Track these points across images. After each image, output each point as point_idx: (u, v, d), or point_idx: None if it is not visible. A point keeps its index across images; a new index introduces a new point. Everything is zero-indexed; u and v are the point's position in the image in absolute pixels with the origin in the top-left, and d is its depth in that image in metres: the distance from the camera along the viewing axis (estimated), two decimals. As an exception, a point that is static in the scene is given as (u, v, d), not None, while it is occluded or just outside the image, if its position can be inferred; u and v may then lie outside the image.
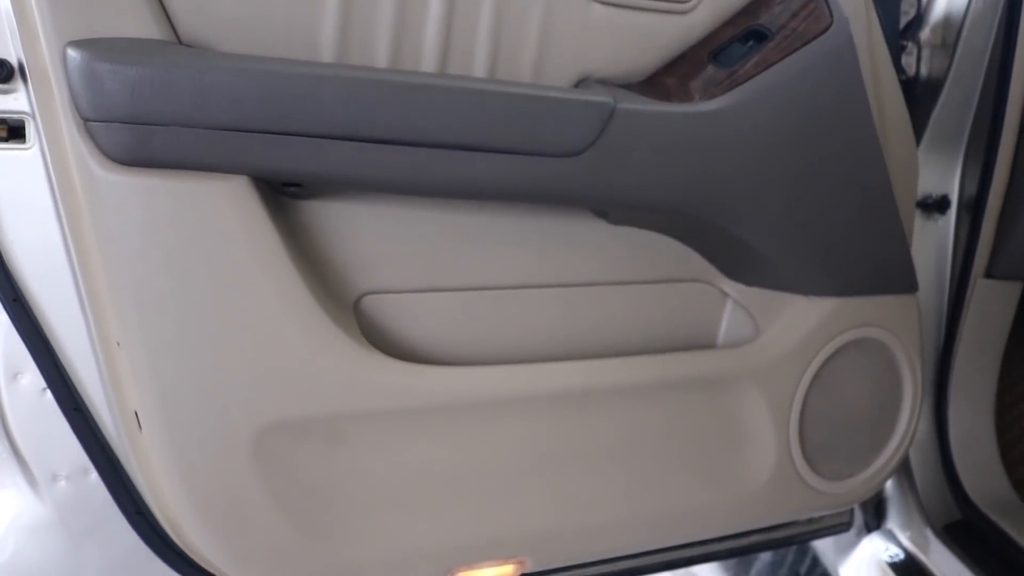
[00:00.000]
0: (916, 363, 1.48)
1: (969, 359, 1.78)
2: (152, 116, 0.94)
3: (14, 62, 0.99)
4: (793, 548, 2.32)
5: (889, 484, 1.88)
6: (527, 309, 1.26)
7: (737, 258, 1.33)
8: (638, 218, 1.28)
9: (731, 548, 1.64)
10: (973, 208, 1.71)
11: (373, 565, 1.20)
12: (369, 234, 1.16)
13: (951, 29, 1.69)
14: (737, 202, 1.22)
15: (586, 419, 1.28)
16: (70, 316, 1.10)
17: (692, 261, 1.36)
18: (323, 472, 1.15)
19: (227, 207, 1.01)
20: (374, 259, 1.17)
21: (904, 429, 1.52)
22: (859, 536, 1.91)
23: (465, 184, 1.08)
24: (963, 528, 1.80)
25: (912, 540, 1.83)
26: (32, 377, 1.13)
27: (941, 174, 1.74)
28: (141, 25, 0.95)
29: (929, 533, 1.79)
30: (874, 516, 1.91)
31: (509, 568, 1.31)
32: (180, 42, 0.99)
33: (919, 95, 1.72)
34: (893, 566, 1.82)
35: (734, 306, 1.39)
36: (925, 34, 1.71)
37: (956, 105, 1.70)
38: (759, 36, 1.20)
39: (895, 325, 1.44)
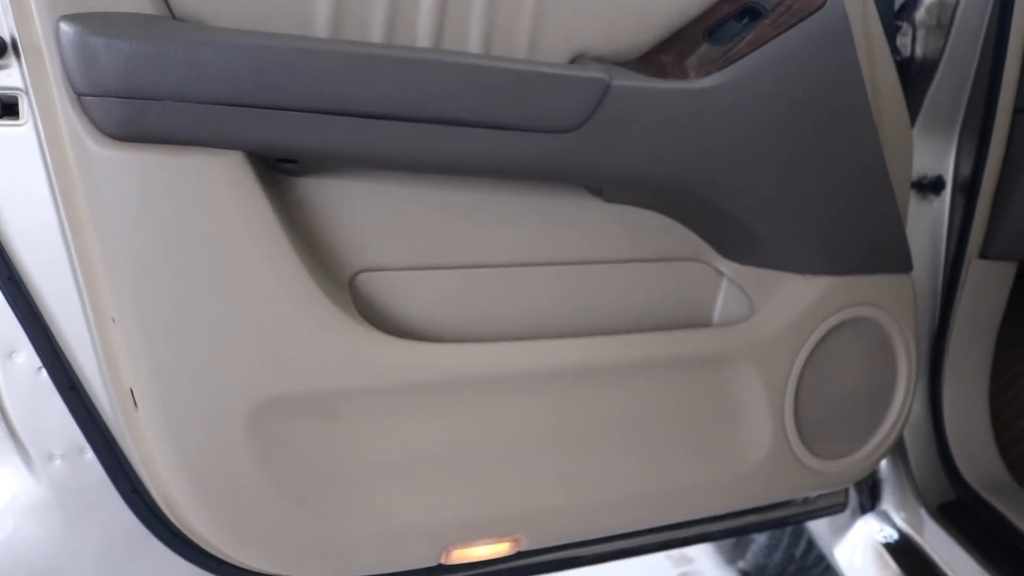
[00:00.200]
0: (911, 343, 1.49)
1: (964, 339, 1.78)
2: (146, 91, 0.93)
3: (7, 37, 0.99)
4: (789, 531, 2.33)
5: (884, 465, 1.88)
6: (522, 287, 1.26)
7: (732, 237, 1.33)
8: (633, 196, 1.28)
9: (727, 528, 1.64)
10: (968, 189, 1.71)
11: (369, 542, 1.20)
12: (365, 212, 1.16)
13: (946, 9, 1.69)
14: (732, 180, 1.22)
15: (581, 397, 1.29)
16: (65, 294, 1.10)
17: (687, 240, 1.36)
18: (319, 449, 1.15)
19: (222, 183, 1.01)
20: (370, 237, 1.17)
21: (899, 408, 1.52)
22: (854, 517, 1.92)
23: (460, 160, 1.08)
24: (957, 508, 1.81)
25: (906, 521, 1.83)
26: (27, 356, 1.12)
27: (936, 155, 1.74)
28: None
29: (923, 513, 1.80)
30: (869, 497, 1.91)
31: (505, 546, 1.31)
32: (174, 16, 0.98)
33: (914, 76, 1.72)
34: (888, 547, 1.82)
35: (729, 285, 1.39)
36: (920, 14, 1.71)
37: (951, 86, 1.70)
38: (754, 13, 1.20)
39: (890, 304, 1.44)
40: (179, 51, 0.93)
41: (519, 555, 1.37)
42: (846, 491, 1.81)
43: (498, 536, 1.29)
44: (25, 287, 1.09)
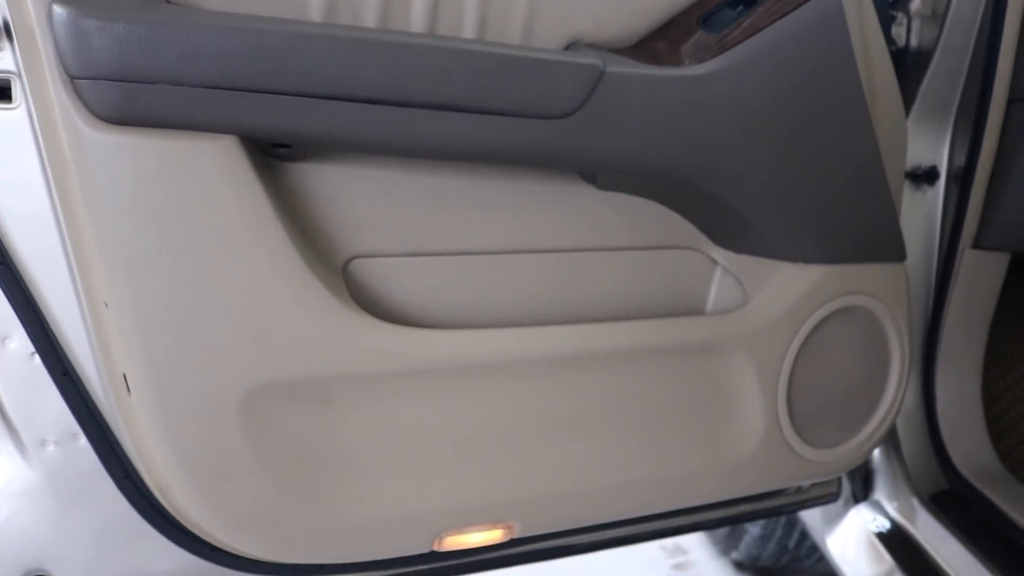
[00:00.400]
0: (904, 332, 1.49)
1: (957, 329, 1.79)
2: (139, 73, 0.93)
3: None
4: (782, 522, 2.34)
5: (876, 455, 1.89)
6: (516, 274, 1.26)
7: (726, 225, 1.33)
8: (627, 183, 1.28)
9: (720, 517, 1.65)
10: (962, 179, 1.71)
11: (362, 528, 1.20)
12: (358, 197, 1.16)
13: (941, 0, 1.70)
14: (725, 167, 1.22)
15: (574, 384, 1.29)
16: (58, 279, 1.10)
17: (681, 228, 1.36)
18: (312, 435, 1.15)
19: (215, 167, 1.01)
20: (363, 222, 1.17)
21: (892, 398, 1.53)
22: (846, 507, 1.92)
23: (454, 145, 1.08)
24: (950, 498, 1.81)
25: (899, 510, 1.84)
26: (20, 342, 1.12)
27: (930, 145, 1.74)
28: None
29: (916, 503, 1.81)
30: (861, 487, 1.92)
31: (497, 533, 1.31)
32: None
33: (909, 65, 1.72)
34: (880, 536, 1.83)
35: (723, 273, 1.39)
36: (915, 4, 1.71)
37: (945, 76, 1.71)
38: (749, 1, 1.20)
39: (883, 293, 1.45)
40: (173, 34, 0.93)
41: (512, 542, 1.38)
42: (839, 481, 1.82)
43: (491, 523, 1.29)
44: (18, 272, 1.09)
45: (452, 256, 1.23)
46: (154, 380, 1.05)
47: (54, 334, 1.12)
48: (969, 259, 1.74)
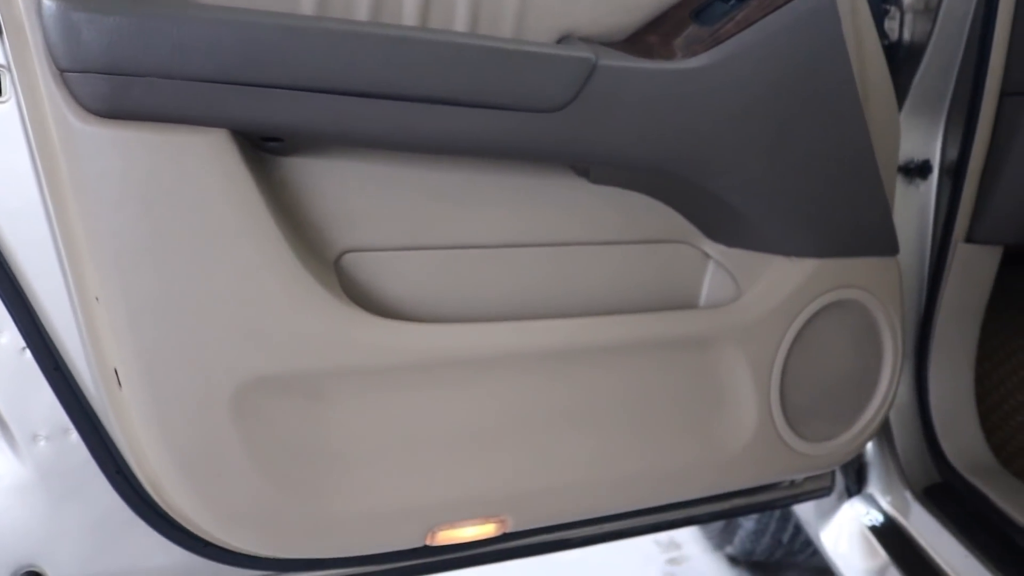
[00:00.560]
0: (896, 326, 1.49)
1: (949, 323, 1.79)
2: (130, 66, 0.93)
3: None
4: (776, 516, 2.34)
5: (869, 449, 1.89)
6: (508, 268, 1.26)
7: (718, 218, 1.33)
8: (620, 177, 1.28)
9: (713, 511, 1.65)
10: (954, 173, 1.71)
11: (355, 523, 1.20)
12: (350, 191, 1.16)
13: (933, -7, 1.70)
14: (718, 160, 1.22)
15: (566, 378, 1.29)
16: (49, 274, 1.09)
17: (674, 222, 1.36)
18: (304, 429, 1.15)
19: (206, 161, 1.00)
20: (355, 216, 1.17)
21: (885, 391, 1.53)
22: (840, 501, 1.93)
23: (446, 139, 1.08)
24: (943, 491, 1.82)
25: (892, 504, 1.84)
26: (11, 336, 1.12)
27: (923, 139, 1.74)
28: None
29: (909, 496, 1.81)
30: (855, 481, 1.92)
31: (490, 527, 1.31)
32: None
33: (902, 59, 1.72)
34: (874, 530, 1.83)
35: (716, 267, 1.39)
36: (908, -2, 1.71)
37: (938, 70, 1.71)
38: (741, -6, 1.20)
39: (876, 287, 1.45)
40: (163, 27, 0.92)
41: (505, 536, 1.38)
42: (832, 474, 1.82)
43: (484, 517, 1.29)
44: (8, 266, 1.09)
45: (444, 250, 1.23)
46: (145, 374, 1.05)
47: (45, 329, 1.12)
48: (962, 253, 1.74)
